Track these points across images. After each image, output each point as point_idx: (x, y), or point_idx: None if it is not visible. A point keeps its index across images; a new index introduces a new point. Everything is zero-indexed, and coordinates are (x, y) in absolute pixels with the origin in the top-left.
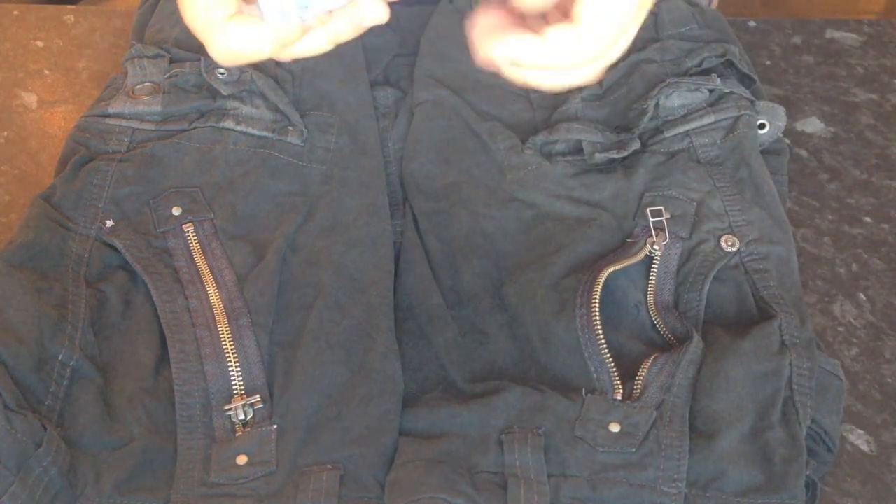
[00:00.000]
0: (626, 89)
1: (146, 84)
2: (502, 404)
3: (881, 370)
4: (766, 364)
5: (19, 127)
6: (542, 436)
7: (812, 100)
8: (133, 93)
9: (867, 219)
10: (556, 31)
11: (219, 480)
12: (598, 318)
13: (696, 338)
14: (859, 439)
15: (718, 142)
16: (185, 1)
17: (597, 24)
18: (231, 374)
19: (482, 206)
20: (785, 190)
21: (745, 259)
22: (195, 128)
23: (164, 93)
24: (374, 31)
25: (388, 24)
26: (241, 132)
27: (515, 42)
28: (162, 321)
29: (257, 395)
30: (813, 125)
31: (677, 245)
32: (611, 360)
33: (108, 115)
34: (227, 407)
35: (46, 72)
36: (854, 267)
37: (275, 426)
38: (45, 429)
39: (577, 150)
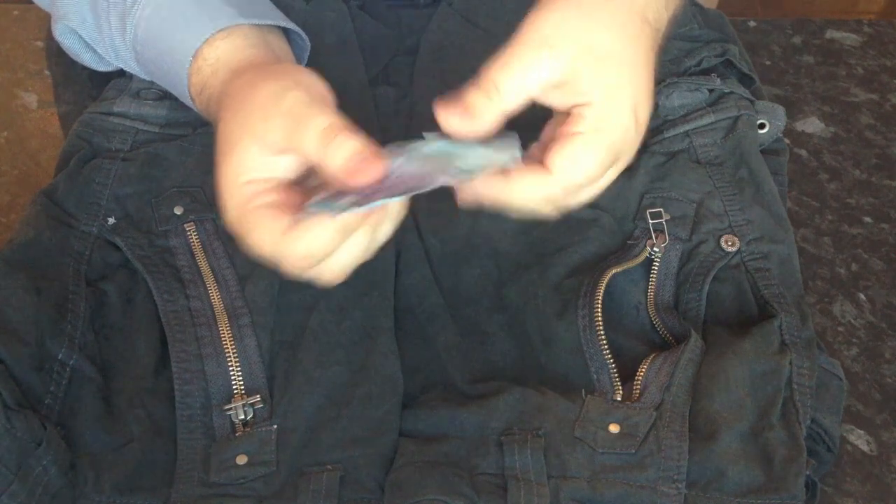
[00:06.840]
0: None
1: (152, 90)
2: (502, 405)
3: (881, 370)
4: (766, 363)
5: (19, 127)
6: (542, 437)
7: (812, 100)
8: (139, 96)
9: (867, 219)
10: (525, 177)
11: (219, 480)
12: (600, 319)
13: (695, 337)
14: (859, 439)
15: (718, 142)
16: (248, 242)
17: (566, 174)
18: (231, 373)
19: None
20: (785, 190)
21: (746, 258)
22: (199, 133)
23: (170, 99)
24: (374, 31)
25: (387, 24)
26: None
27: (484, 186)
28: (163, 320)
29: (257, 395)
30: (813, 125)
31: (677, 247)
32: (612, 361)
33: (113, 114)
34: (227, 407)
35: (46, 72)
36: (854, 267)
37: (275, 426)
38: (45, 428)
39: None
